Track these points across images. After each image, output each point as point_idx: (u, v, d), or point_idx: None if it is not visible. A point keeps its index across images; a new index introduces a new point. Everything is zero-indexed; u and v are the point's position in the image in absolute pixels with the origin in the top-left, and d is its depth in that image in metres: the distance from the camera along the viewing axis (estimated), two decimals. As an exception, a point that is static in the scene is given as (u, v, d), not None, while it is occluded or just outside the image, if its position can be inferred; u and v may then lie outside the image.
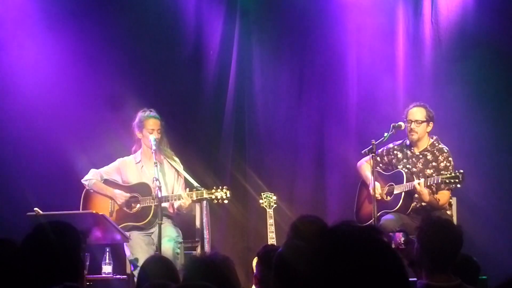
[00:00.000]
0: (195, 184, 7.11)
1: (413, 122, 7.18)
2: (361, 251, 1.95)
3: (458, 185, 6.81)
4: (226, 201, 7.02)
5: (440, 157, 7.18)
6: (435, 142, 7.27)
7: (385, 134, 7.11)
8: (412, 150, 7.30)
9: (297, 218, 4.48)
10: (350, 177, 7.93)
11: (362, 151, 7.12)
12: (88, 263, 6.90)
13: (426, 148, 7.26)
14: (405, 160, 7.31)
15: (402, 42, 8.41)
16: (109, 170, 7.37)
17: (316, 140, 8.58)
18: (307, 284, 1.98)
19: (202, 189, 7.04)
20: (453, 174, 6.80)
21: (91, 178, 7.30)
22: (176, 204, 7.14)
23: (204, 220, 7.16)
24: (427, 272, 4.07)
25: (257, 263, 4.55)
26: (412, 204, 7.08)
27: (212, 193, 6.97)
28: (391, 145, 7.42)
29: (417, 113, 7.19)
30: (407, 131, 7.24)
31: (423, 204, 7.04)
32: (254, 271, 7.01)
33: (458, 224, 6.85)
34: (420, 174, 7.15)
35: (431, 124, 7.21)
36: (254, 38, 8.60)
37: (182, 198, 7.02)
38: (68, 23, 8.30)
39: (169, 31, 8.51)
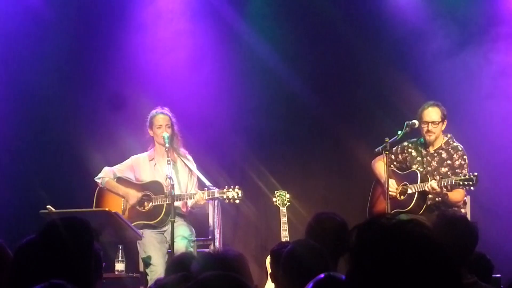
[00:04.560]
0: (207, 183, 7.10)
1: (429, 124, 7.13)
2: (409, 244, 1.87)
3: (472, 188, 6.80)
4: (237, 201, 7.00)
5: (455, 155, 7.15)
6: (449, 140, 7.24)
7: (399, 132, 7.07)
8: (426, 149, 7.26)
9: (315, 215, 4.48)
10: (364, 174, 7.90)
11: (376, 149, 7.09)
12: (101, 260, 6.90)
13: (441, 146, 7.23)
14: (419, 159, 7.27)
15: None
16: (122, 168, 7.37)
17: (329, 138, 8.56)
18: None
19: (214, 188, 7.03)
20: (467, 177, 6.79)
21: (104, 176, 7.30)
22: (191, 202, 7.12)
23: (216, 218, 7.14)
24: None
25: (271, 261, 4.54)
26: (426, 204, 7.06)
27: (224, 193, 6.95)
28: (405, 143, 7.39)
29: (433, 113, 7.13)
30: (423, 131, 7.19)
31: (437, 200, 7.02)
32: (268, 269, 7.03)
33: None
34: (435, 173, 7.13)
35: (445, 122, 7.18)
36: (257, 29, 8.57)
37: (196, 197, 7.00)
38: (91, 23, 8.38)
39: (172, 30, 8.52)
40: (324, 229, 4.41)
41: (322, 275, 2.60)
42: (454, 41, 8.26)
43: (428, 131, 7.15)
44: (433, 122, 7.13)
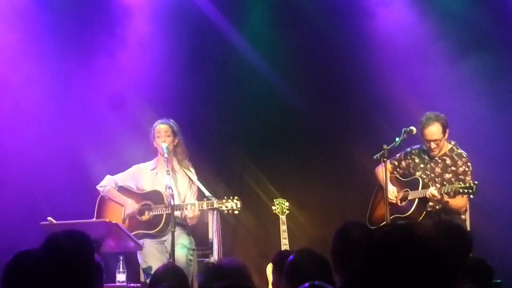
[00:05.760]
0: (207, 193, 7.09)
1: (432, 142, 7.13)
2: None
3: (471, 196, 6.81)
4: (236, 212, 6.99)
5: (459, 162, 7.15)
6: (453, 147, 7.24)
7: (397, 139, 7.07)
8: (430, 155, 7.25)
9: (343, 224, 4.46)
10: (363, 181, 7.92)
11: (374, 157, 7.09)
12: (102, 271, 6.90)
13: (445, 153, 7.23)
14: (422, 165, 7.28)
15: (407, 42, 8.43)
16: (124, 177, 7.38)
17: (328, 145, 8.58)
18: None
19: (213, 199, 7.02)
20: (467, 185, 6.80)
21: (106, 184, 7.33)
22: (183, 214, 7.12)
23: (215, 227, 7.15)
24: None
25: (273, 270, 4.54)
26: (425, 210, 7.07)
27: (223, 203, 6.94)
28: (408, 150, 7.39)
29: (434, 131, 7.08)
30: (427, 148, 7.18)
31: (438, 207, 7.04)
32: (268, 277, 7.04)
33: (471, 229, 6.88)
34: (439, 179, 7.13)
35: (447, 131, 7.16)
36: (254, 38, 8.59)
37: (189, 209, 6.99)
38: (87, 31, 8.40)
39: (178, 35, 8.54)
40: (353, 238, 4.38)
41: (306, 284, 2.61)
42: (452, 48, 8.28)
43: (431, 148, 7.15)
44: (435, 140, 7.13)
